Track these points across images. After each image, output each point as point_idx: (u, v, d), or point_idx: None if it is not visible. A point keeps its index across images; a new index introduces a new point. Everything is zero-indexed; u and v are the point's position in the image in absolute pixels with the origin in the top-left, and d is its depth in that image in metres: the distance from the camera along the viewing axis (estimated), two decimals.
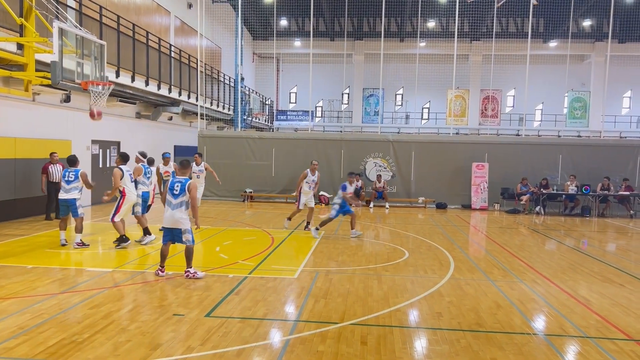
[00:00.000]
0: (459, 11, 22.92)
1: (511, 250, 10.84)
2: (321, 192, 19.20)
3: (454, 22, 23.55)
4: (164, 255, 7.78)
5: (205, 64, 22.89)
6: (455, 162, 19.35)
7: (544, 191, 17.91)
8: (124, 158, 9.94)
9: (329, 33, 36.59)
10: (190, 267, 7.70)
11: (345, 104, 39.33)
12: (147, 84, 18.06)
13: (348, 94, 39.08)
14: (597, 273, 8.88)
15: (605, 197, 17.89)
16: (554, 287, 7.83)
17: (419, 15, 25.04)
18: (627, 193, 17.81)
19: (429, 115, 39.08)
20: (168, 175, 12.66)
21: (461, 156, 19.38)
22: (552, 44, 35.35)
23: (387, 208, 18.47)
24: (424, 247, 10.89)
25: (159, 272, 7.78)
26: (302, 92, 38.33)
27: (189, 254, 7.66)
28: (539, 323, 6.24)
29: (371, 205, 18.73)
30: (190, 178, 7.84)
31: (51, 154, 13.37)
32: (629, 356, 5.13)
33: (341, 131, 32.15)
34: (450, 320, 6.13)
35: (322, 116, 39.99)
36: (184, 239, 7.60)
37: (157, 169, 12.39)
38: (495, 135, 30.44)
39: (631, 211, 17.90)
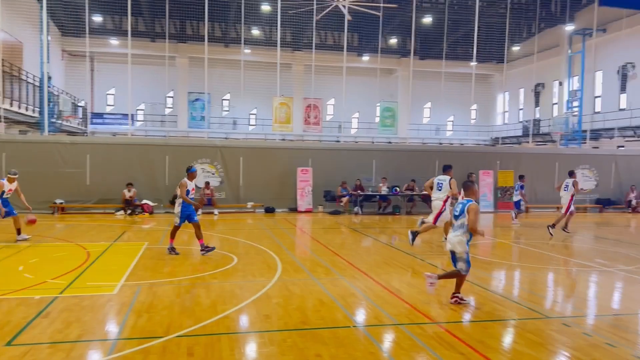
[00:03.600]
0: (281, 21, 23.68)
1: (333, 249, 11.48)
2: (144, 201, 18.20)
3: (277, 32, 24.25)
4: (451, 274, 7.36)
5: (2, 59, 20.17)
6: (281, 167, 19.90)
7: (360, 192, 19.38)
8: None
9: (150, 33, 34.97)
10: (459, 293, 7.20)
11: (170, 107, 37.95)
12: None
13: (172, 97, 37.76)
14: (407, 265, 9.85)
15: (412, 196, 20.03)
16: (371, 280, 8.48)
17: (243, 22, 25.28)
18: (428, 193, 20.11)
19: (256, 121, 39.63)
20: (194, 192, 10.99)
21: (287, 161, 19.99)
22: (365, 57, 38.48)
23: (216, 214, 18.24)
24: (253, 252, 10.98)
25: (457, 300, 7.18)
26: (122, 94, 35.90)
27: (459, 280, 7.22)
28: (359, 316, 6.70)
29: (199, 212, 18.30)
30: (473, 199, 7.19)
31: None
32: (432, 337, 5.77)
33: (166, 136, 30.92)
34: (277, 321, 6.26)
35: (144, 120, 38.03)
36: (457, 266, 7.15)
37: (184, 184, 10.63)
38: (318, 142, 32.08)
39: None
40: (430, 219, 12.13)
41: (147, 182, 18.67)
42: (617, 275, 9.48)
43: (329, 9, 25.26)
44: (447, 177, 12.00)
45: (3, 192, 11.99)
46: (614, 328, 6.29)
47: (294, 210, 19.75)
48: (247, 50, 33.49)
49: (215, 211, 18.48)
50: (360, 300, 7.35)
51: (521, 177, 17.86)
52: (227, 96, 38.87)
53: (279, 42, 23.41)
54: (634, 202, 21.93)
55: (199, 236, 10.55)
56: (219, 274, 8.85)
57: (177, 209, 10.59)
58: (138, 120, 37.54)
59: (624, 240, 14.24)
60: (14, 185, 12.23)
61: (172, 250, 10.53)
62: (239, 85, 25.08)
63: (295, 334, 5.80)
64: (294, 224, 16.58)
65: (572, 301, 7.86)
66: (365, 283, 8.31)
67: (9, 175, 12.21)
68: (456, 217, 7.16)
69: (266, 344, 5.54)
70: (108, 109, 37.57)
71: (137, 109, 37.32)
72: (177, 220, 10.57)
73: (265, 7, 30.73)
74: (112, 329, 6.03)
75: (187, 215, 10.58)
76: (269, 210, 19.38)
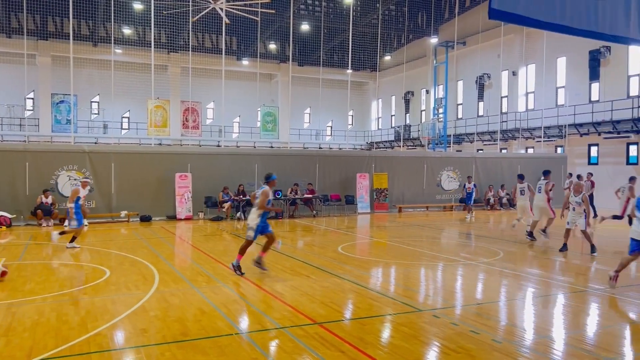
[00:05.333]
0: (155, 21, 22.72)
1: (215, 257, 11.24)
2: (1, 212, 16.39)
3: (151, 32, 23.23)
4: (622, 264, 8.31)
5: None
6: (158, 173, 19.06)
7: (242, 197, 19.20)
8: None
9: (5, 29, 31.67)
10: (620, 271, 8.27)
11: (30, 110, 34.63)
12: None
13: (33, 99, 34.53)
14: (289, 268, 9.93)
15: (294, 200, 20.28)
16: (254, 286, 8.42)
17: (113, 20, 23.88)
18: (311, 196, 20.55)
19: (129, 125, 37.62)
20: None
21: (164, 167, 19.21)
22: (245, 62, 38.32)
23: (85, 225, 16.95)
24: (127, 263, 10.37)
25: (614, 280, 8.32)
26: None
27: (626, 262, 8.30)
28: (241, 323, 6.61)
29: (66, 223, 16.88)
30: None
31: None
32: (313, 338, 5.86)
33: (26, 141, 28.16)
34: (155, 335, 5.96)
35: (0, 124, 34.33)
36: None
37: (267, 193, 9.33)
38: (197, 146, 31.30)
39: (314, 211, 20.72)
40: (528, 218, 14.00)
41: (5, 191, 16.86)
42: (479, 267, 10.39)
43: (206, 11, 24.77)
44: (545, 181, 13.40)
45: (78, 198, 12.17)
46: (477, 316, 6.88)
47: (172, 218, 19.01)
48: (119, 50, 31.73)
49: (85, 222, 17.17)
50: (243, 306, 7.26)
51: (469, 178, 21.61)
52: (97, 98, 36.46)
53: (152, 42, 22.40)
54: (492, 200, 24.22)
55: (266, 248, 9.39)
56: (89, 288, 8.23)
57: (255, 220, 9.14)
58: None
59: (484, 235, 15.66)
60: (87, 191, 12.56)
61: (238, 268, 9.19)
62: (109, 87, 23.58)
63: (175, 347, 5.57)
64: (173, 232, 15.96)
65: (441, 294, 8.46)
66: (248, 289, 8.23)
67: (83, 180, 12.72)
68: None
69: (143, 359, 5.25)
70: None
71: None
72: (252, 234, 9.15)
73: (137, 6, 29.35)
74: None
75: (262, 227, 9.28)
76: (145, 219, 18.45)
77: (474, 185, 21.46)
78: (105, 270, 9.61)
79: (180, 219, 18.88)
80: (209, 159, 20.39)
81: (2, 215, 16.35)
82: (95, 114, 36.79)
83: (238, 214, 19.17)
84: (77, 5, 24.40)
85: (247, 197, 19.43)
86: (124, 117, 37.47)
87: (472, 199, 21.03)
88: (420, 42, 38.55)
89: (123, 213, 18.33)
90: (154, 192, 18.91)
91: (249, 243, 9.27)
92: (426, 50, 37.97)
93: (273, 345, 5.76)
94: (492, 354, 5.47)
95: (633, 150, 24.92)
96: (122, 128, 37.26)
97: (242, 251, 9.28)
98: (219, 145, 32.50)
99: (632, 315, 7.12)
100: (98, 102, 36.61)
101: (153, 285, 8.40)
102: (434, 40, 35.55)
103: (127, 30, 33.51)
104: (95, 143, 30.84)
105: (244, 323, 6.60)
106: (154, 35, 23.69)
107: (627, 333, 6.44)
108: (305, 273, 9.47)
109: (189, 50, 26.46)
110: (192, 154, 20.67)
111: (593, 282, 9.15)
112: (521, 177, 14.77)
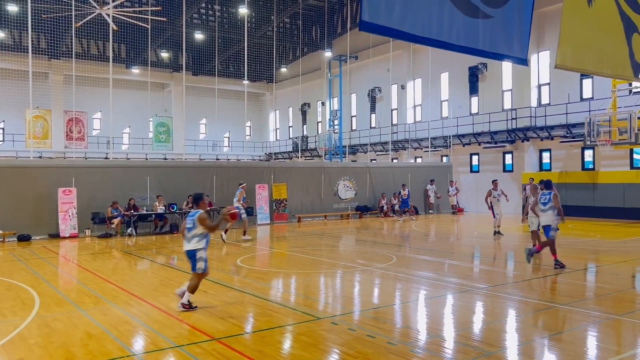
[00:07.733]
0: (32, 25, 21.04)
1: (103, 276, 10.55)
2: None
3: (28, 36, 21.48)
4: None
5: None
6: (38, 189, 17.57)
7: (134, 212, 18.27)
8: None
9: None
10: None
11: None
12: None
13: None
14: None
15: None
16: (147, 305, 8.01)
17: None
18: (208, 208, 20.02)
19: (4, 137, 34.41)
20: None
21: (45, 182, 17.74)
22: (135, 70, 36.70)
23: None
24: (3, 288, 9.42)
25: None
26: None
27: None
28: (134, 344, 6.24)
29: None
30: None
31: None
32: (211, 355, 5.68)
33: None
34: None
35: None
36: None
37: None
38: (83, 159, 29.38)
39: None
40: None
41: None
42: (375, 272, 10.74)
43: (91, 16, 23.40)
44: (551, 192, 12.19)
45: (244, 198, 16.01)
46: (373, 321, 7.08)
47: (55, 236, 17.59)
48: None
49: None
50: (135, 327, 6.87)
51: (403, 186, 24.09)
52: None
53: (30, 47, 20.67)
54: (385, 208, 25.23)
55: (553, 250, 10.64)
56: None
57: (552, 217, 10.65)
58: None
59: (379, 241, 16.25)
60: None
61: (559, 265, 10.51)
62: None
63: None
64: (56, 251, 14.77)
65: (340, 301, 8.62)
66: (140, 308, 7.81)
67: (244, 185, 16.56)
68: None
69: None
70: None
71: None
72: (554, 234, 10.67)
73: (12, 8, 27.06)
74: None
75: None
76: (24, 239, 16.90)
77: (408, 191, 24.16)
78: None
79: (65, 237, 17.52)
80: (96, 172, 19.18)
81: None
82: None
83: (129, 230, 18.20)
84: None
85: (140, 212, 18.53)
86: None
87: (408, 203, 24.04)
88: (315, 55, 39.36)
89: None
90: (33, 209, 17.40)
91: (552, 242, 10.60)
92: (321, 63, 38.84)
93: None
94: (388, 356, 5.64)
95: (508, 158, 27.26)
96: None
97: (553, 251, 10.61)
98: (107, 158, 30.75)
99: (511, 311, 7.74)
100: None
101: (33, 310, 7.69)
102: (328, 54, 36.47)
103: (0, 34, 30.72)
104: None
105: (137, 344, 6.24)
106: (32, 40, 21.94)
107: (507, 327, 6.97)
108: (202, 288, 9.14)
109: (72, 57, 24.75)
110: (77, 167, 19.30)
111: (477, 282, 9.82)
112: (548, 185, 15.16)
